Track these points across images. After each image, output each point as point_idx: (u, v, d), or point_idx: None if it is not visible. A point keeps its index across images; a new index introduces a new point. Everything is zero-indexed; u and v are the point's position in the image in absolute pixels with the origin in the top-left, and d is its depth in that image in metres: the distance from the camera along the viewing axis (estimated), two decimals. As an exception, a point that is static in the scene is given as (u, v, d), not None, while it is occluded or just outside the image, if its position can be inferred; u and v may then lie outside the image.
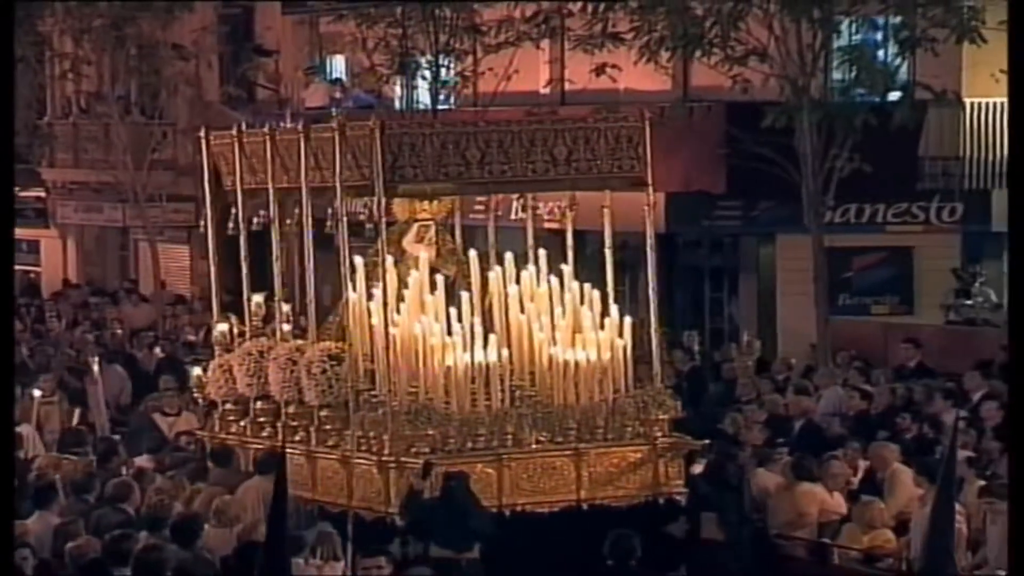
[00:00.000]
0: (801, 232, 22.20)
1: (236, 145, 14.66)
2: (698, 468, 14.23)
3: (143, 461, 16.04)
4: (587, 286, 13.98)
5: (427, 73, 26.11)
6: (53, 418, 18.40)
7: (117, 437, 17.29)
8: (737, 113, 22.54)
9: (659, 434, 13.85)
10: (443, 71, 26.05)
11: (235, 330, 14.91)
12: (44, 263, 35.85)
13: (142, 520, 13.42)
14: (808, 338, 22.20)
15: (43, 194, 34.78)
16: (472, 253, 14.16)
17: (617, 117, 14.36)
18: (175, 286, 32.19)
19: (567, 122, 14.30)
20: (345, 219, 13.67)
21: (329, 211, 14.35)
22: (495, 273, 14.00)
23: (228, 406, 14.79)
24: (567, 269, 14.20)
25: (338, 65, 30.23)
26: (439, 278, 13.77)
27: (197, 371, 15.61)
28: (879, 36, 22.77)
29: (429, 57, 25.90)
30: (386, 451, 13.16)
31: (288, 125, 26.76)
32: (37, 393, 18.25)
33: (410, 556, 12.77)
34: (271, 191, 14.39)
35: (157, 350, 23.75)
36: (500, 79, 25.40)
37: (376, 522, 13.17)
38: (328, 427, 13.79)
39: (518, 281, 14.00)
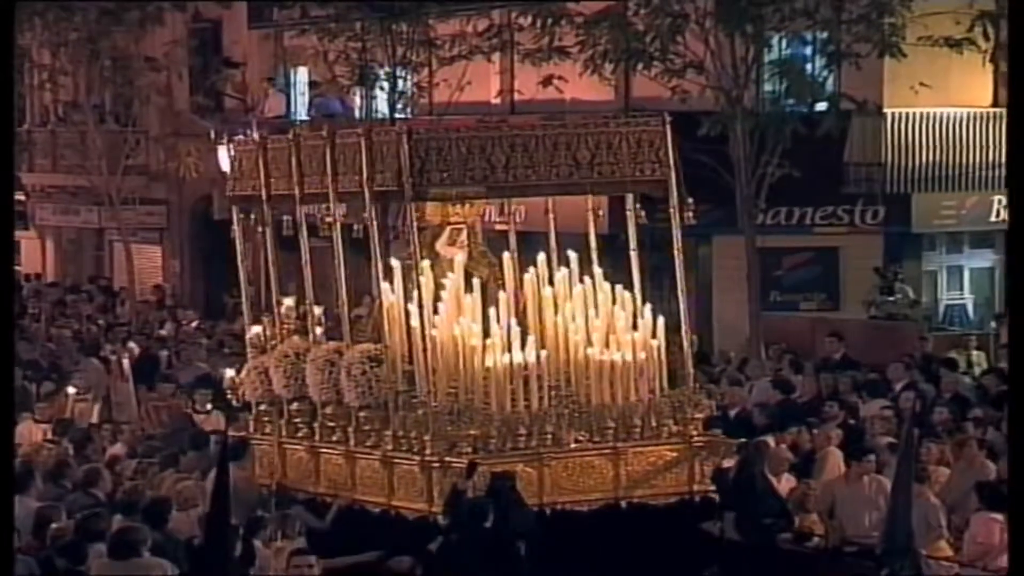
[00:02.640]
0: (735, 233, 22.31)
1: (260, 151, 13.99)
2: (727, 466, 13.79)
3: (117, 449, 15.99)
4: (618, 287, 13.41)
5: (385, 84, 26.17)
6: (87, 414, 18.03)
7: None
8: (676, 122, 22.59)
9: (694, 433, 13.27)
10: (400, 82, 26.11)
11: (268, 332, 14.26)
12: (24, 263, 35.69)
13: (117, 504, 13.36)
14: (742, 333, 22.32)
15: (23, 197, 34.62)
16: (506, 255, 13.48)
17: (639, 121, 13.65)
18: (148, 284, 32.11)
19: (590, 126, 13.46)
20: (375, 223, 13.05)
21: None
22: (530, 275, 13.44)
23: (263, 407, 14.07)
24: (598, 271, 13.60)
25: (301, 76, 30.22)
26: (475, 280, 13.14)
27: (230, 372, 14.98)
28: (807, 51, 22.93)
29: (387, 69, 25.96)
30: (428, 451, 12.57)
31: (255, 134, 26.68)
32: (71, 391, 18.00)
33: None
34: (297, 196, 13.69)
35: (132, 344, 23.67)
36: (454, 90, 25.47)
37: (418, 521, 12.60)
38: (367, 427, 13.05)
39: (551, 282, 13.44)
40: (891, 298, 23.93)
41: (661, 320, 13.30)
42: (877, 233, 24.79)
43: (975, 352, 21.37)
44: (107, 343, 23.90)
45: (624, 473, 12.99)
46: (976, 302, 25.70)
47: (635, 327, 13.19)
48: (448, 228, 13.55)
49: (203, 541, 10.91)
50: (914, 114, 24.32)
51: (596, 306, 13.30)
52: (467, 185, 12.97)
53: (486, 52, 25.33)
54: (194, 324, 26.81)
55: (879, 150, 24.44)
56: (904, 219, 24.79)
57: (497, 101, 26.57)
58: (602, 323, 13.20)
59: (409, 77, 26.18)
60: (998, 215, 24.71)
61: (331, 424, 13.39)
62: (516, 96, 26.06)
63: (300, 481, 13.58)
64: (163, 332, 25.64)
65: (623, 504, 12.97)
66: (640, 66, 21.99)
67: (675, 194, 13.44)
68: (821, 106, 22.36)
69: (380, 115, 26.41)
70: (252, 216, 14.43)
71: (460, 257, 13.42)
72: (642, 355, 13.09)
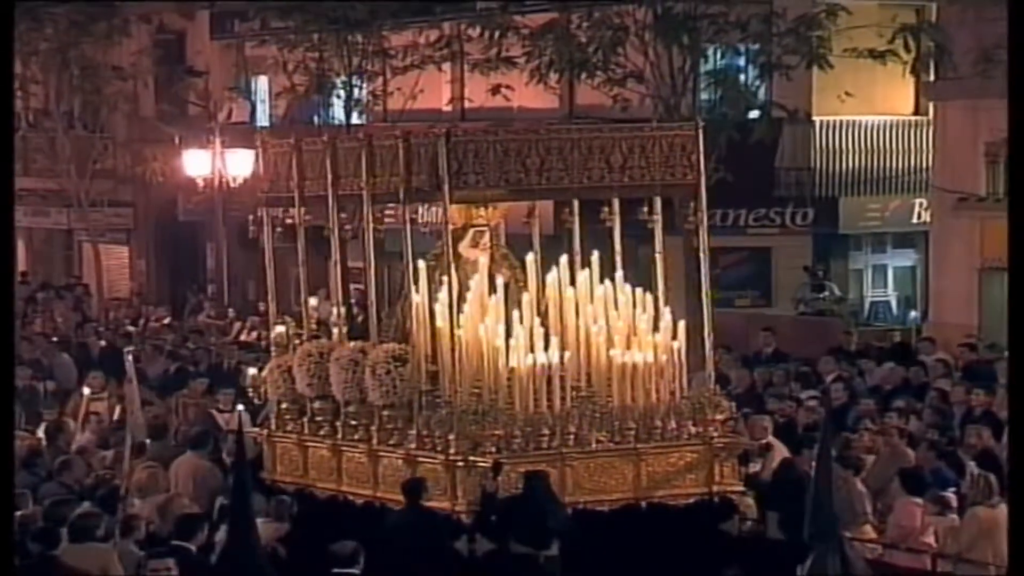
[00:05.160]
0: (674, 234, 22.33)
1: (295, 153, 13.39)
2: (753, 468, 13.50)
3: (85, 440, 15.91)
4: (639, 290, 12.88)
5: (341, 92, 26.18)
6: (102, 413, 17.53)
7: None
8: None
9: (715, 434, 12.77)
10: (356, 90, 26.12)
11: (291, 331, 13.70)
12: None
13: (85, 491, 13.31)
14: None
15: (-5, 200, 34.39)
16: (528, 257, 12.98)
17: (671, 126, 13.26)
18: (115, 283, 31.99)
19: (623, 130, 13.04)
20: (409, 225, 12.65)
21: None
22: (552, 276, 12.87)
23: (285, 405, 13.46)
24: (619, 273, 13.06)
25: (262, 85, 30.18)
26: (499, 282, 12.70)
27: (252, 371, 14.64)
28: (741, 62, 23.02)
29: (343, 78, 25.97)
30: (452, 450, 12.13)
31: (219, 139, 26.43)
32: (87, 391, 17.71)
33: (477, 554, 11.88)
34: (331, 197, 13.11)
35: (102, 341, 23.58)
36: (407, 98, 25.54)
37: (443, 519, 12.11)
38: (391, 426, 12.60)
39: (572, 284, 12.86)
40: (820, 295, 24.10)
41: (682, 323, 12.91)
42: (807, 234, 24.97)
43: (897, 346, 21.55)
44: (76, 339, 23.84)
45: (645, 473, 12.55)
46: (899, 299, 25.94)
47: (656, 329, 12.80)
48: (471, 230, 13.11)
49: (227, 536, 10.81)
50: (841, 122, 24.52)
51: (617, 307, 12.87)
52: (501, 188, 12.55)
53: (437, 62, 25.39)
54: (165, 321, 26.74)
55: (808, 156, 24.64)
56: (832, 221, 24.99)
57: (448, 108, 26.60)
58: (624, 325, 12.72)
59: (364, 85, 26.22)
60: (919, 217, 24.96)
61: (354, 423, 12.94)
62: (466, 104, 26.10)
63: (321, 478, 13.18)
64: (130, 328, 25.53)
65: (643, 504, 12.53)
66: (583, 75, 22.06)
67: (704, 198, 13.03)
68: (754, 114, 22.49)
69: (337, 121, 26.45)
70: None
71: (483, 259, 13.00)
72: (663, 357, 12.63)
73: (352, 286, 18.41)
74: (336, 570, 11.02)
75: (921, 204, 24.72)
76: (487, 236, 13.18)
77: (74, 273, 33.80)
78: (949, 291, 22.68)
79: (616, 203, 13.33)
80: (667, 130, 13.19)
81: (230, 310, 27.09)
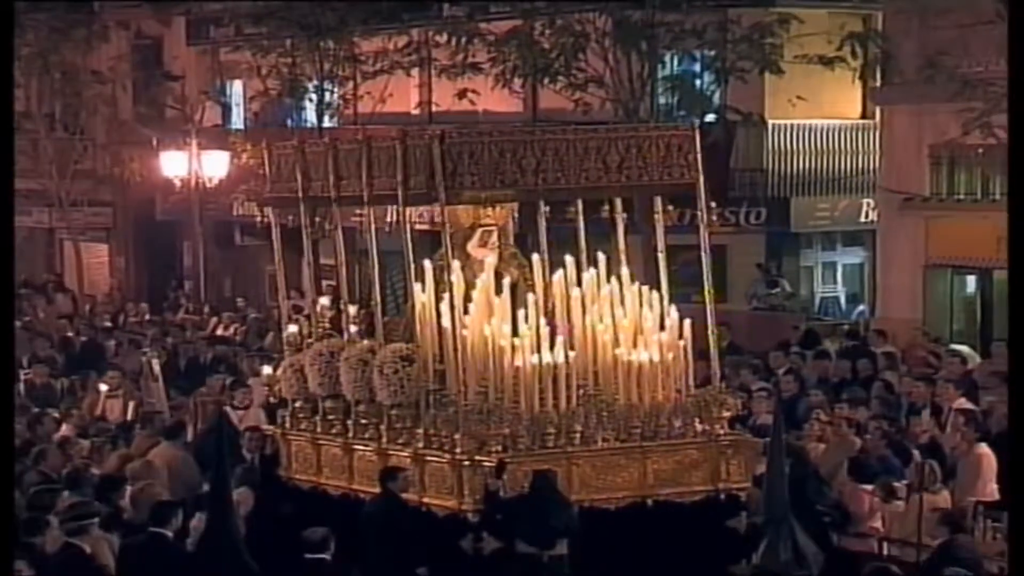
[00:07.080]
0: (634, 233, 22.40)
1: (299, 154, 13.12)
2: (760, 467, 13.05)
3: (67, 430, 15.87)
4: (645, 288, 12.66)
5: (313, 96, 26.18)
6: (116, 409, 17.61)
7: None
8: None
9: (721, 432, 12.45)
10: (327, 94, 26.12)
11: (304, 331, 13.49)
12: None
13: (65, 480, 13.27)
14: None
15: (-22, 200, 34.22)
16: (535, 257, 12.76)
17: (668, 127, 13.03)
18: (95, 280, 31.91)
19: (619, 131, 12.74)
20: (409, 226, 12.42)
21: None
22: (559, 275, 12.60)
23: (298, 404, 13.25)
24: (625, 272, 12.80)
25: (236, 89, 30.14)
26: (505, 281, 12.40)
27: (267, 370, 14.49)
28: (696, 67, 23.13)
29: (315, 82, 25.98)
30: (458, 449, 11.86)
31: (195, 140, 26.31)
32: (104, 388, 17.68)
33: (484, 552, 11.67)
34: (334, 199, 12.88)
35: (82, 337, 23.50)
36: (376, 101, 25.56)
37: (448, 518, 11.89)
38: (399, 425, 12.35)
39: (579, 283, 12.58)
40: (772, 291, 24.21)
41: (688, 321, 12.56)
42: (760, 232, 25.06)
43: (846, 339, 21.65)
44: (58, 335, 23.75)
45: (651, 471, 12.24)
46: (847, 295, 26.08)
47: (662, 327, 12.46)
48: (479, 230, 12.86)
49: (206, 523, 10.77)
50: (792, 125, 24.64)
51: (624, 306, 12.50)
52: (497, 189, 12.21)
53: (406, 67, 25.43)
54: (147, 317, 26.69)
55: (761, 157, 24.74)
56: (784, 220, 25.10)
57: (416, 112, 26.64)
58: (630, 323, 12.42)
59: (335, 90, 26.22)
60: (867, 216, 25.10)
61: (364, 421, 12.72)
62: (434, 108, 26.14)
63: (334, 476, 12.99)
64: (108, 324, 25.46)
65: (650, 502, 12.23)
66: (546, 80, 22.13)
67: (703, 197, 12.77)
68: (710, 117, 22.55)
69: (309, 124, 26.44)
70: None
71: (491, 258, 12.75)
72: (669, 355, 12.33)
73: (324, 283, 18.41)
74: (308, 555, 11.02)
75: (869, 204, 24.86)
76: (495, 235, 12.91)
77: (55, 271, 33.69)
78: (895, 287, 22.82)
79: (619, 202, 13.08)
80: (664, 131, 12.94)
81: (206, 306, 27.06)
